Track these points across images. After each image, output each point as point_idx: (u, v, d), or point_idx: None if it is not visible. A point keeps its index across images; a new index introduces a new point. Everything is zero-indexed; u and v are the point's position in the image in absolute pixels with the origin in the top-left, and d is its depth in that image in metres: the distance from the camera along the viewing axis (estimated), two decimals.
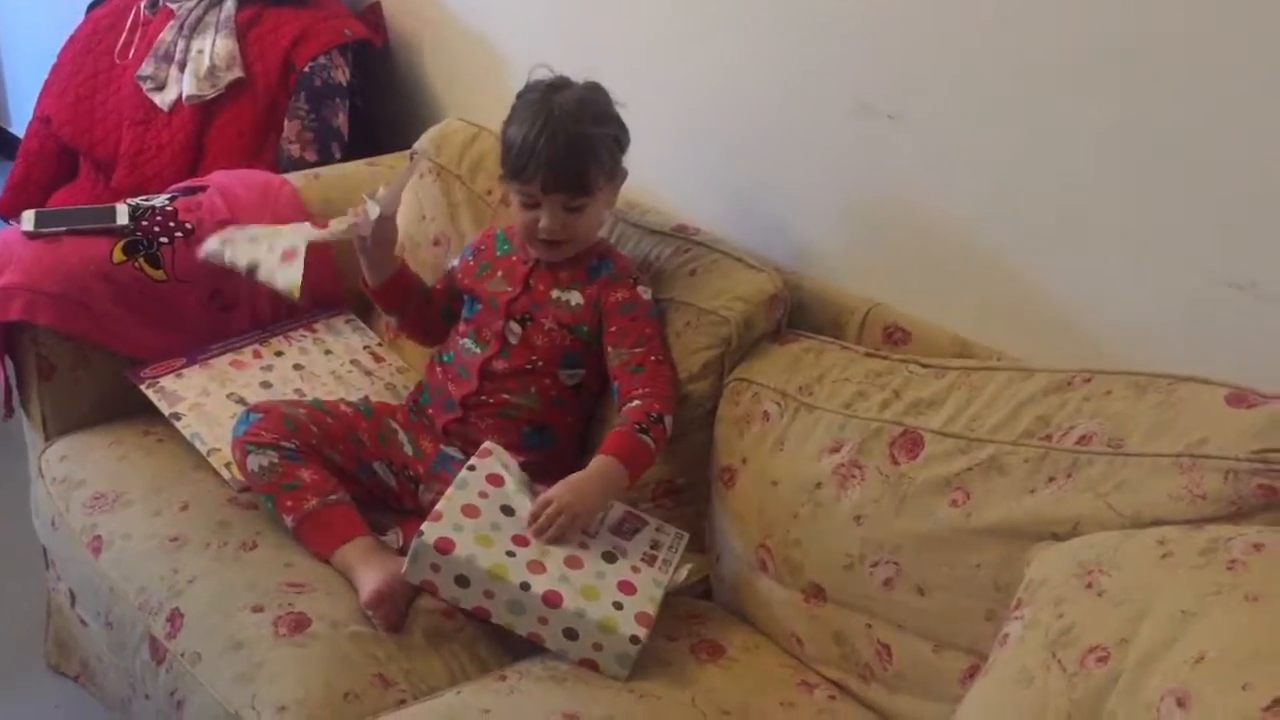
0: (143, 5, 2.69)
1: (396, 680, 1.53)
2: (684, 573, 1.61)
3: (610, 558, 1.57)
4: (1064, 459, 1.35)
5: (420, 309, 1.90)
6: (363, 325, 2.18)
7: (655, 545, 1.63)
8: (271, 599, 1.61)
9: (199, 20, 2.58)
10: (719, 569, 1.72)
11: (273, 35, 2.52)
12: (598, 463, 1.62)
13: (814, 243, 1.86)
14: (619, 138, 1.73)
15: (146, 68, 2.59)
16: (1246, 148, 1.37)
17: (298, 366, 2.04)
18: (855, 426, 1.55)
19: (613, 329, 1.74)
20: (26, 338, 1.95)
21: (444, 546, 1.50)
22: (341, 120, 2.49)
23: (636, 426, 1.64)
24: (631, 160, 1.76)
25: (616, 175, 1.75)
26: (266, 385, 1.98)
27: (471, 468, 1.62)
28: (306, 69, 2.47)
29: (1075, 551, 1.25)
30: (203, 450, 1.86)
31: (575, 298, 1.76)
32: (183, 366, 1.98)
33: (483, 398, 1.78)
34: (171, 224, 2.04)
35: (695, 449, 1.74)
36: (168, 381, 1.95)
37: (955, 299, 1.69)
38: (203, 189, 2.14)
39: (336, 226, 1.83)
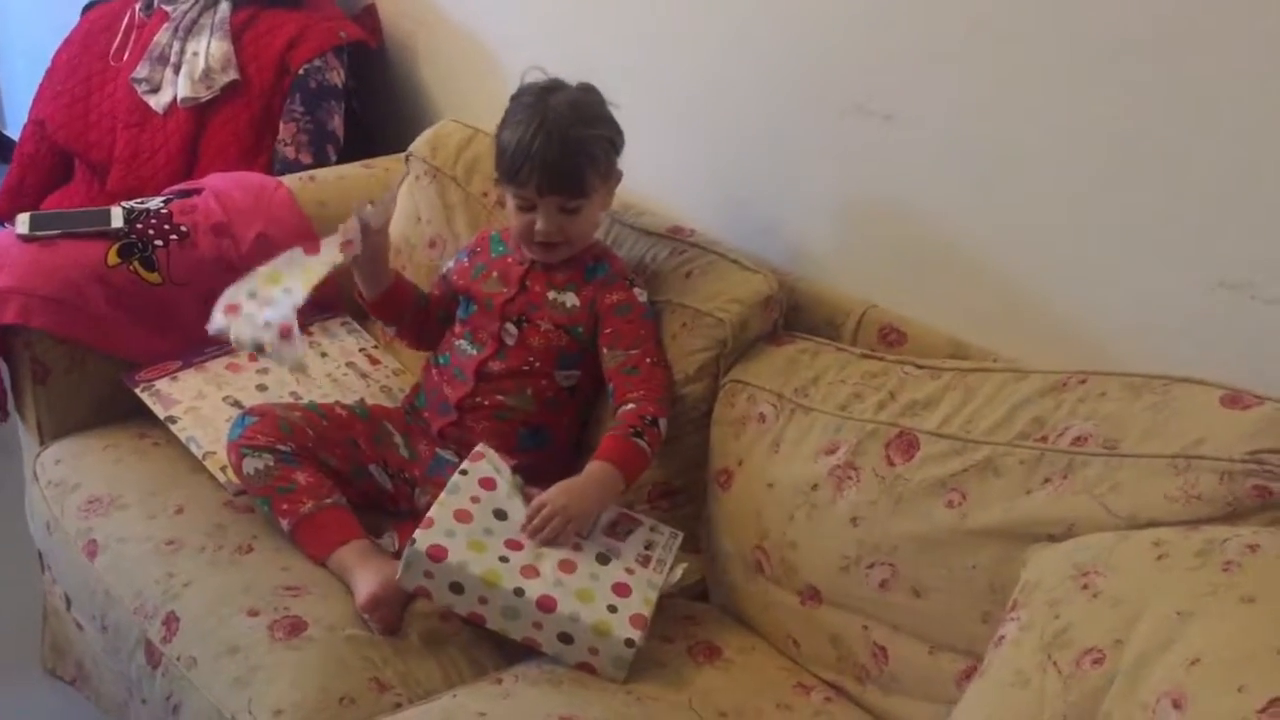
0: (137, 7, 2.69)
1: (392, 684, 1.53)
2: (679, 573, 1.61)
3: (604, 560, 1.57)
4: (1059, 460, 1.35)
5: (417, 317, 1.90)
6: (359, 328, 2.18)
7: (650, 546, 1.63)
8: (267, 602, 1.61)
9: (194, 22, 2.57)
10: (715, 571, 1.72)
11: (268, 37, 2.52)
12: (593, 468, 1.62)
13: (809, 244, 1.86)
14: (614, 139, 1.73)
15: (141, 70, 2.59)
16: (1242, 149, 1.37)
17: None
18: (851, 428, 1.55)
19: (608, 330, 1.74)
20: (21, 341, 1.95)
21: (436, 554, 1.50)
22: (337, 122, 2.49)
23: (631, 430, 1.64)
24: (626, 162, 1.76)
25: (611, 177, 1.75)
26: (262, 388, 1.97)
27: (464, 472, 1.62)
28: (301, 71, 2.46)
29: (1071, 553, 1.25)
30: (198, 453, 1.86)
31: (571, 299, 1.76)
32: (178, 370, 1.98)
33: (478, 400, 1.78)
34: (166, 227, 2.04)
35: (691, 451, 1.74)
36: (163, 385, 1.95)
37: (951, 300, 1.69)
38: (198, 191, 2.14)
39: (328, 253, 1.80)
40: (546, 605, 1.49)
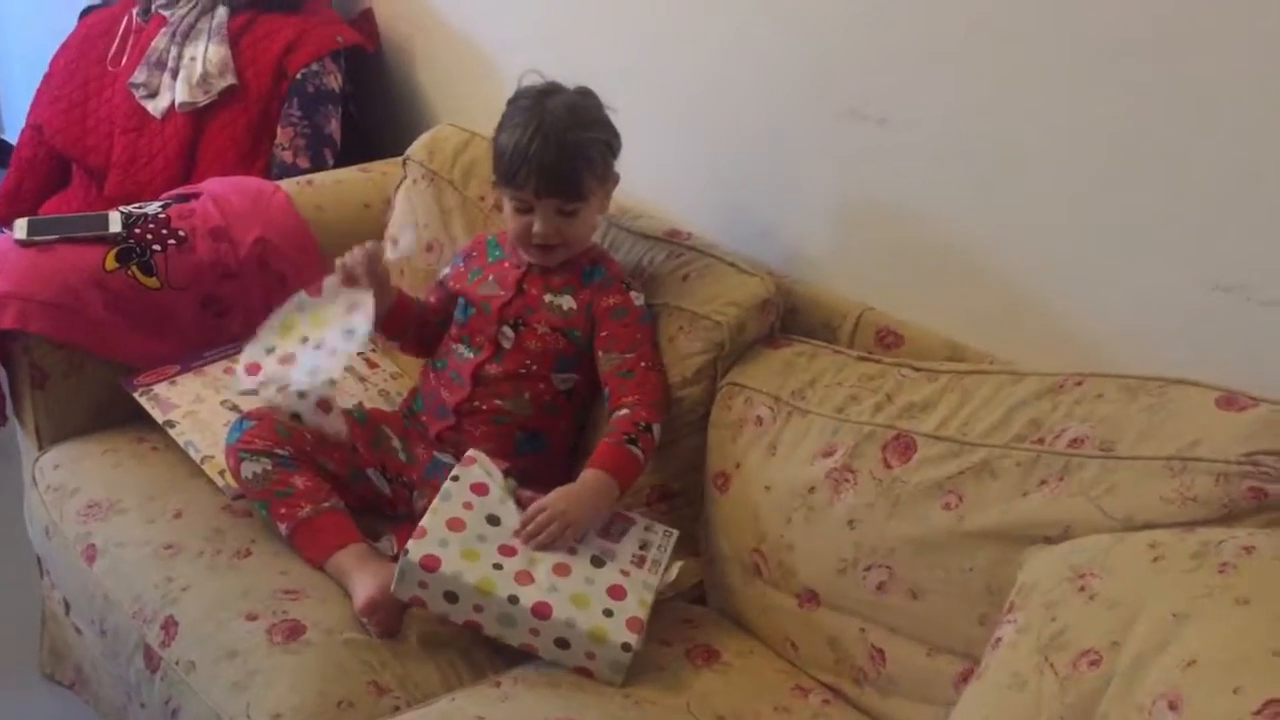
0: (135, 12, 2.69)
1: (391, 687, 1.53)
2: (674, 571, 1.60)
3: (599, 562, 1.57)
4: (1056, 462, 1.36)
5: (420, 330, 1.89)
6: None
7: (644, 546, 1.62)
8: (266, 606, 1.61)
9: (191, 27, 2.57)
10: (713, 574, 1.72)
11: (265, 42, 2.52)
12: (588, 476, 1.62)
13: (806, 247, 1.87)
14: (611, 142, 1.73)
15: (139, 75, 2.59)
16: (1237, 151, 1.37)
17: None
18: (848, 430, 1.55)
19: (603, 333, 1.75)
20: (19, 346, 1.95)
21: (430, 564, 1.50)
22: (334, 126, 2.49)
23: (625, 437, 1.64)
24: (623, 165, 1.76)
25: (609, 180, 1.75)
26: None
27: (455, 478, 1.62)
28: (299, 76, 2.47)
29: (1067, 555, 1.25)
30: (196, 458, 1.86)
31: (568, 302, 1.77)
32: (176, 374, 1.98)
33: (476, 403, 1.78)
34: (164, 231, 2.04)
35: (689, 454, 1.74)
36: (161, 389, 1.95)
37: (947, 303, 1.70)
38: (196, 196, 2.14)
39: (331, 293, 1.78)
40: (542, 612, 1.49)
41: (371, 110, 2.64)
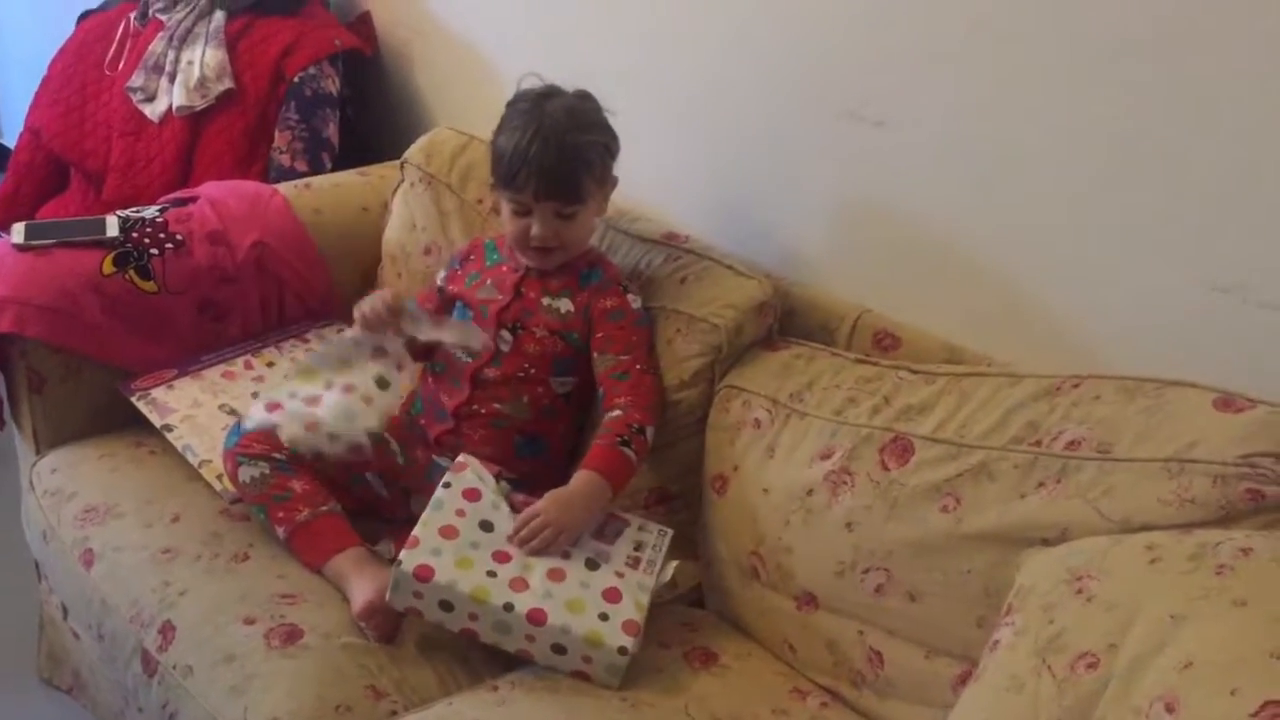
0: (132, 16, 2.69)
1: (388, 691, 1.53)
2: (669, 571, 1.59)
3: (593, 565, 1.57)
4: (1053, 464, 1.35)
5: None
6: None
7: (639, 546, 1.62)
8: (263, 611, 1.60)
9: (189, 31, 2.58)
10: (711, 576, 1.72)
11: (263, 46, 2.52)
12: (581, 478, 1.61)
13: (803, 249, 1.87)
14: (609, 145, 1.73)
15: (136, 79, 2.59)
16: (1236, 151, 1.37)
17: (289, 377, 2.03)
18: (846, 433, 1.55)
19: (599, 335, 1.75)
20: (17, 350, 1.95)
21: (423, 574, 1.50)
22: (332, 130, 2.49)
23: (618, 439, 1.64)
24: (621, 167, 1.76)
25: (607, 183, 1.76)
26: (258, 396, 1.97)
27: (447, 484, 1.61)
28: (297, 79, 2.47)
29: (1065, 557, 1.25)
30: (194, 462, 1.86)
31: (565, 305, 1.77)
32: (174, 378, 1.98)
33: (474, 407, 1.78)
34: (162, 235, 2.04)
35: (687, 456, 1.74)
36: (159, 393, 1.95)
37: (945, 304, 1.70)
38: (193, 200, 2.14)
39: (350, 345, 1.80)
40: (537, 619, 1.49)
41: (369, 114, 2.64)
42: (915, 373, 1.57)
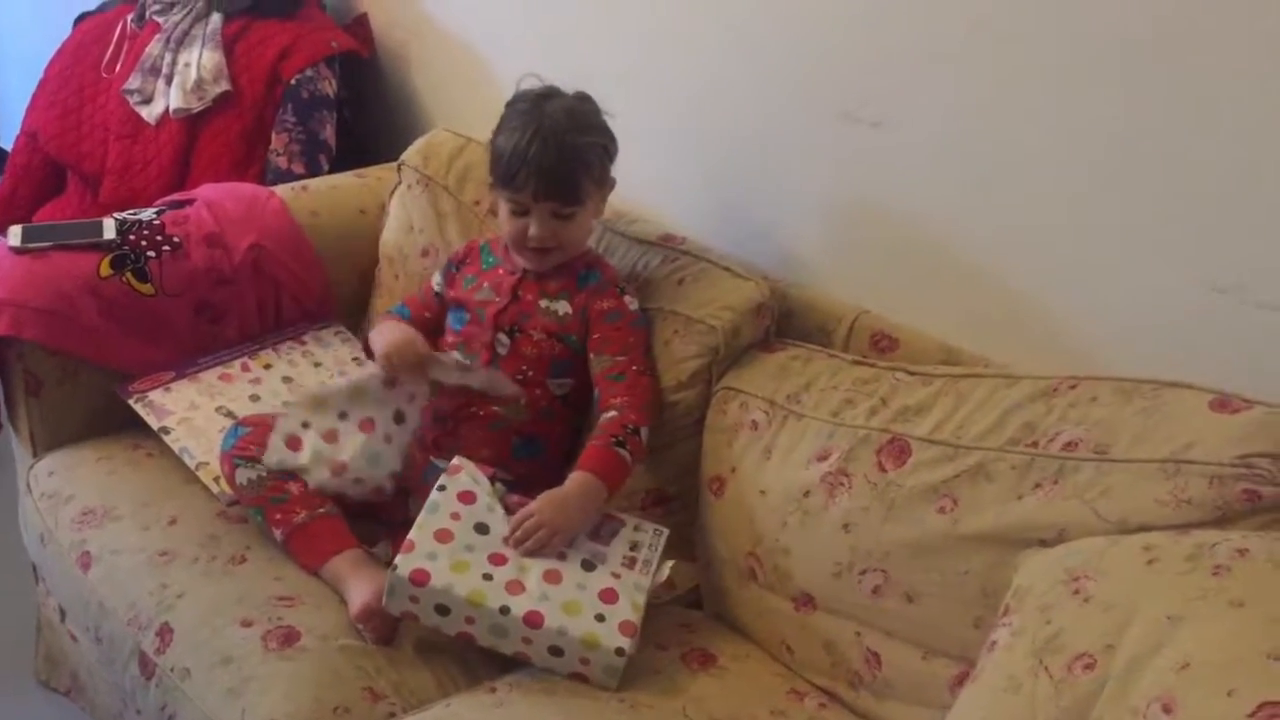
0: (129, 19, 2.69)
1: (386, 693, 1.53)
2: (665, 570, 1.59)
3: (589, 566, 1.56)
4: (1050, 465, 1.35)
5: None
6: (351, 337, 2.17)
7: (635, 546, 1.61)
8: (261, 613, 1.60)
9: (185, 33, 2.58)
10: (709, 578, 1.72)
11: (260, 48, 2.52)
12: (576, 479, 1.61)
13: (801, 251, 1.87)
14: (608, 147, 1.74)
15: (133, 81, 2.59)
16: (1237, 151, 1.37)
17: (286, 379, 2.03)
18: (843, 434, 1.55)
19: (596, 336, 1.74)
20: (14, 353, 1.95)
21: (419, 578, 1.50)
22: (329, 132, 2.49)
23: (613, 440, 1.64)
24: (619, 170, 1.76)
25: (605, 184, 1.76)
26: (255, 398, 1.97)
27: (442, 487, 1.61)
28: (294, 81, 2.47)
29: (1062, 558, 1.25)
30: (191, 464, 1.86)
31: (563, 307, 1.77)
32: (171, 380, 1.98)
33: (472, 410, 1.77)
34: (159, 238, 2.04)
35: (684, 458, 1.74)
36: (156, 395, 1.95)
37: (942, 306, 1.70)
38: (190, 202, 2.14)
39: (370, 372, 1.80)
40: (533, 621, 1.49)
41: (366, 116, 2.64)
42: (912, 374, 1.57)
